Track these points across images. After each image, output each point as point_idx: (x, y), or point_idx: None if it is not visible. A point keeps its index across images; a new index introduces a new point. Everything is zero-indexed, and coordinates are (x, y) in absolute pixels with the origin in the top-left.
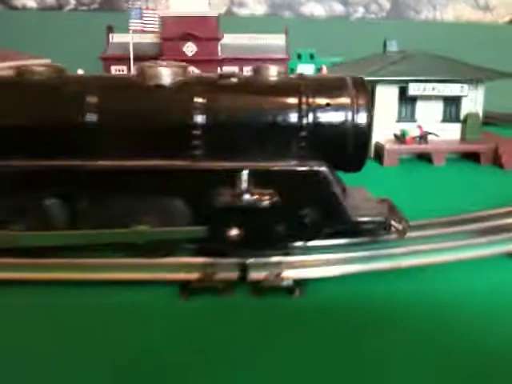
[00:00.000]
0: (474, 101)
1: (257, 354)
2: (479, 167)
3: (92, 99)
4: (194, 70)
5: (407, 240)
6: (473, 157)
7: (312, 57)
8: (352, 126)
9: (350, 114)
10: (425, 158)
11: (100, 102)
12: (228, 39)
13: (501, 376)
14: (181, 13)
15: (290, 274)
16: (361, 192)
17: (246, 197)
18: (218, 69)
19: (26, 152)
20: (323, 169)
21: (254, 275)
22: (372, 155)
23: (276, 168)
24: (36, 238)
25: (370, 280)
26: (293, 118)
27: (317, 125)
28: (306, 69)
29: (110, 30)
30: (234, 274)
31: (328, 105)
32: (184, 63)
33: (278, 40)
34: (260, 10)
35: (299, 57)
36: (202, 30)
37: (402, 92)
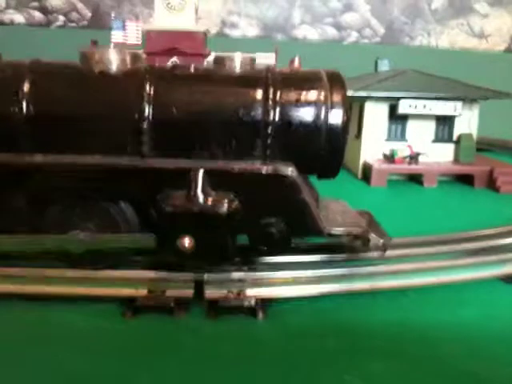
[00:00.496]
0: (467, 121)
1: None
2: (473, 190)
3: (24, 87)
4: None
5: (388, 258)
6: (466, 179)
7: None
8: (325, 125)
9: (323, 111)
10: (415, 179)
11: (33, 90)
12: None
13: None
14: (166, 27)
15: (253, 293)
16: (339, 204)
17: (201, 201)
18: None
19: None
20: (291, 171)
21: (211, 293)
22: (359, 175)
23: (237, 169)
24: None
25: (345, 302)
26: (257, 113)
27: (285, 122)
28: None
29: (95, 43)
30: (188, 292)
31: (298, 99)
32: (139, 51)
33: (267, 59)
34: (252, 31)
35: None
36: (188, 45)
37: (392, 110)
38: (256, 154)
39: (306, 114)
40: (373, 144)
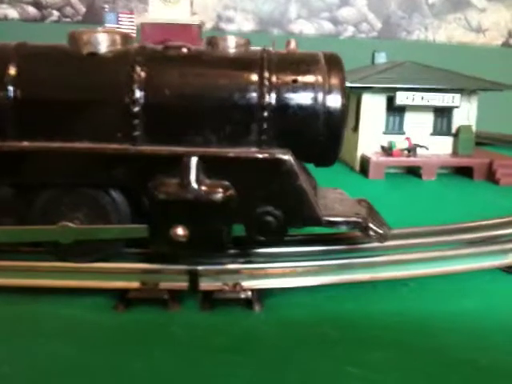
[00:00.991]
0: (466, 113)
1: None
2: (472, 182)
3: (10, 70)
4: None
5: (388, 248)
6: (465, 172)
7: None
8: (323, 109)
9: (321, 95)
10: (413, 172)
11: (19, 73)
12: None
13: None
14: (161, 20)
15: (249, 285)
16: (336, 192)
17: (194, 188)
18: None
19: None
20: (288, 157)
21: (206, 285)
22: (357, 168)
23: (231, 155)
24: None
25: (344, 293)
26: (252, 96)
27: (281, 105)
28: None
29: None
30: (181, 284)
31: (295, 81)
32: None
33: None
34: (248, 26)
35: None
36: (183, 38)
37: (390, 102)
38: (251, 140)
39: (303, 97)
40: (370, 136)
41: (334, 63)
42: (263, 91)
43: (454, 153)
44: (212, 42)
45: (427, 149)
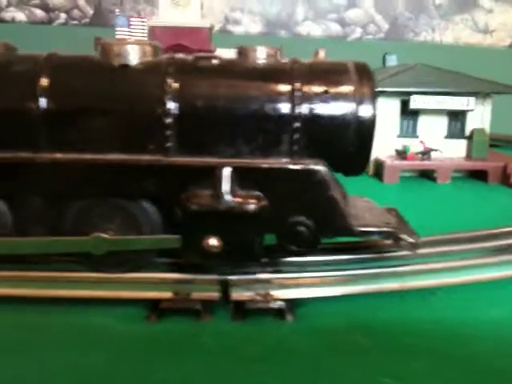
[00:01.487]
0: (480, 116)
1: None
2: (487, 186)
3: (43, 81)
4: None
5: (416, 257)
6: (479, 175)
7: None
8: (354, 119)
9: (352, 105)
10: (427, 175)
11: (52, 85)
12: (220, 53)
13: None
14: (171, 23)
15: (281, 295)
16: (363, 200)
17: (228, 200)
18: None
19: None
20: (321, 168)
21: (238, 295)
22: (371, 172)
23: (265, 166)
24: None
25: (373, 302)
26: (284, 107)
27: (312, 116)
28: None
29: (99, 40)
30: (213, 294)
31: (326, 92)
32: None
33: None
34: (255, 28)
35: None
36: (194, 41)
37: (404, 105)
38: (283, 150)
39: (334, 108)
40: (384, 140)
41: (363, 73)
42: (295, 102)
43: (468, 156)
44: (242, 52)
45: (441, 152)
